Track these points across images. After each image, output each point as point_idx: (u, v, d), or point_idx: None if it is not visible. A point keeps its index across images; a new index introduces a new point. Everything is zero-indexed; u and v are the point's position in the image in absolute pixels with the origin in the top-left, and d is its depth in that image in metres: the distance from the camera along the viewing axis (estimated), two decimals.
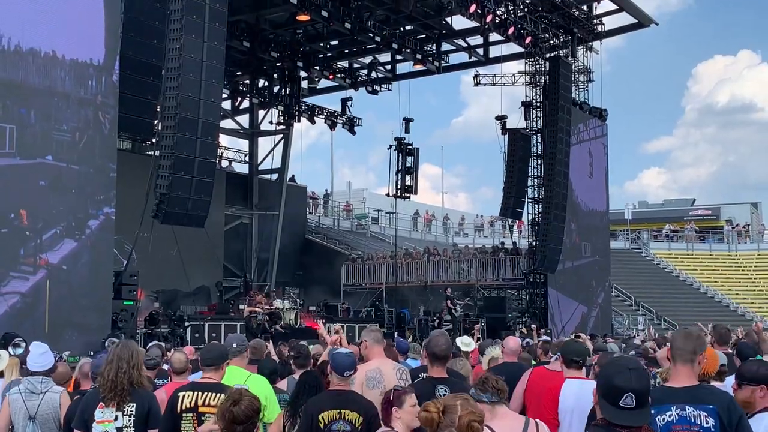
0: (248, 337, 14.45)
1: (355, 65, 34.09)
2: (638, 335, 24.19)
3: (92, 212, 16.72)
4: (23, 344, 9.75)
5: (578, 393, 6.16)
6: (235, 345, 6.82)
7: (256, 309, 23.21)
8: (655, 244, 47.41)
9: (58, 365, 8.00)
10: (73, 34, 16.40)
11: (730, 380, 5.88)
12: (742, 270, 45.18)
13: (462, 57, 33.53)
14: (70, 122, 16.39)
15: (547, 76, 28.86)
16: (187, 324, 20.63)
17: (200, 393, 5.84)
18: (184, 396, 5.88)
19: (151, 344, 11.16)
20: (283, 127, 34.76)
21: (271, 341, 12.08)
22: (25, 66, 15.70)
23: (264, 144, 36.30)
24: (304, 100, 34.53)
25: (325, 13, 25.48)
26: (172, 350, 9.90)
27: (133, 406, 5.66)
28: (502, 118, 31.60)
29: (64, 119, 16.31)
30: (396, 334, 21.72)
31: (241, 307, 23.73)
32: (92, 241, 16.70)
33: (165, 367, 8.84)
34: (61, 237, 16.07)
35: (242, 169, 36.34)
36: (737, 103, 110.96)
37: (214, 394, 5.78)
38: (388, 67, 34.38)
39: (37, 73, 15.86)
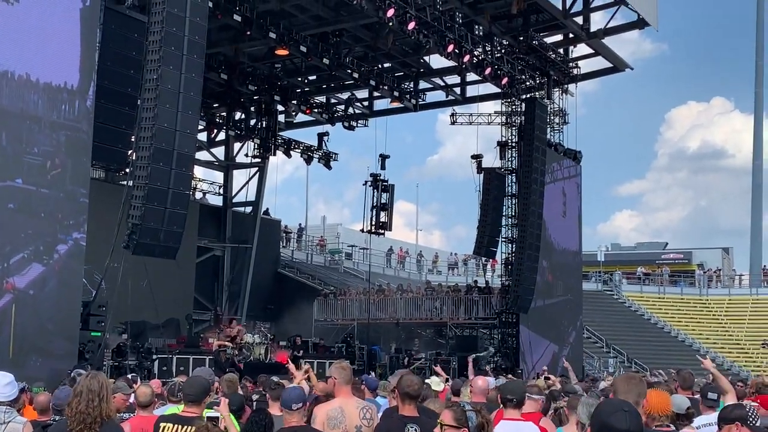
0: (216, 372, 14.30)
1: (333, 100, 34.27)
2: (607, 379, 24.08)
3: (61, 237, 16.49)
4: None
5: None
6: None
7: (226, 343, 22.96)
8: (627, 287, 47.58)
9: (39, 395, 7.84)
10: (48, 58, 16.29)
11: (698, 420, 6.52)
12: (713, 315, 45.39)
13: (439, 95, 33.86)
14: (41, 146, 16.20)
15: (523, 117, 29.08)
16: (155, 357, 20.37)
17: (181, 426, 5.92)
18: (165, 427, 5.98)
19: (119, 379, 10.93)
20: (259, 160, 34.69)
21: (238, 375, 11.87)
22: None
23: (239, 176, 36.38)
24: (280, 133, 34.56)
25: (303, 48, 25.63)
26: (138, 383, 9.69)
27: None
28: (477, 157, 31.79)
29: (36, 143, 16.13)
30: (371, 372, 21.57)
31: (210, 340, 23.47)
32: (60, 267, 16.47)
33: (131, 400, 8.65)
34: (29, 261, 15.81)
35: (216, 201, 36.18)
36: (709, 149, 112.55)
37: (194, 428, 5.79)
38: (366, 103, 34.51)
39: (10, 95, 15.69)
